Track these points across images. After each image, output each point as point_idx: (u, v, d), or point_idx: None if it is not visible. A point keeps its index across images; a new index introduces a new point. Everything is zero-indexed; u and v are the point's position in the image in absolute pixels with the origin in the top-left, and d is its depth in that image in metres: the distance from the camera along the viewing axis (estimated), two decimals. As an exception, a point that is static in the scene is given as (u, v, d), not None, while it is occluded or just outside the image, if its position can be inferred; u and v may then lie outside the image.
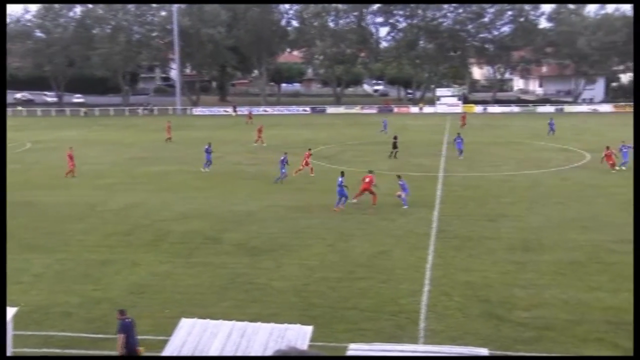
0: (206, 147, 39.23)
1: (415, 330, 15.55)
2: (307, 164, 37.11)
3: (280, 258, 21.22)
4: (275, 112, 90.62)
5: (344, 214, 27.10)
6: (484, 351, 11.09)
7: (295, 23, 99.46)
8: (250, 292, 18.20)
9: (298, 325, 11.02)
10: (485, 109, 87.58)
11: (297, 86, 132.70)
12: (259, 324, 11.10)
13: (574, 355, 14.21)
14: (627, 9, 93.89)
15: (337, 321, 16.09)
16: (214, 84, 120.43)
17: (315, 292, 18.13)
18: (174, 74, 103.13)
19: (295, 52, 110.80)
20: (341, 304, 17.19)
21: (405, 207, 27.82)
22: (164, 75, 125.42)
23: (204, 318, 11.65)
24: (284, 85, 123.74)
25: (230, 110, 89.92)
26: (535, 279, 18.83)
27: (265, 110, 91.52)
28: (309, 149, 39.13)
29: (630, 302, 16.87)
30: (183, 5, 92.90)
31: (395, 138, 44.73)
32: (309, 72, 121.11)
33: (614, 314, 16.17)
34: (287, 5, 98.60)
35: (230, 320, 11.43)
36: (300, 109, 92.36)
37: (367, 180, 28.71)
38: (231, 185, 34.38)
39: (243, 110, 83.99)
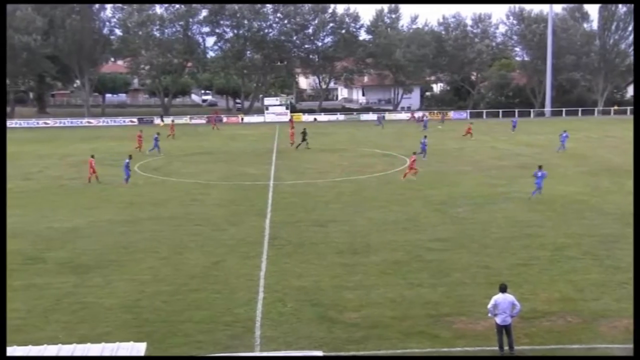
0: None
1: (251, 338, 15.69)
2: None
3: (110, 274, 20.43)
4: (100, 124, 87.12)
5: (175, 226, 26.69)
6: (318, 353, 11.49)
7: (118, 32, 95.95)
8: (78, 312, 17.35)
9: (130, 343, 10.68)
10: (315, 119, 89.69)
11: (122, 97, 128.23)
12: (88, 344, 10.61)
13: (401, 350, 15.11)
14: (435, 25, 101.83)
15: (172, 335, 15.82)
16: (31, 95, 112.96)
17: (148, 307, 17.67)
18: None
19: (120, 62, 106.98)
20: (175, 318, 16.91)
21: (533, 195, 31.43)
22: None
23: (26, 345, 10.93)
24: (108, 96, 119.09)
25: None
26: (363, 280, 19.74)
27: (90, 122, 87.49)
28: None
29: (447, 295, 18.33)
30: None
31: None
32: (135, 82, 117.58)
33: (433, 308, 17.40)
34: (109, 14, 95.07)
35: (56, 344, 10.83)
36: (127, 120, 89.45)
37: (413, 159, 37.69)
38: (53, 201, 32.49)
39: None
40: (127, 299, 18.26)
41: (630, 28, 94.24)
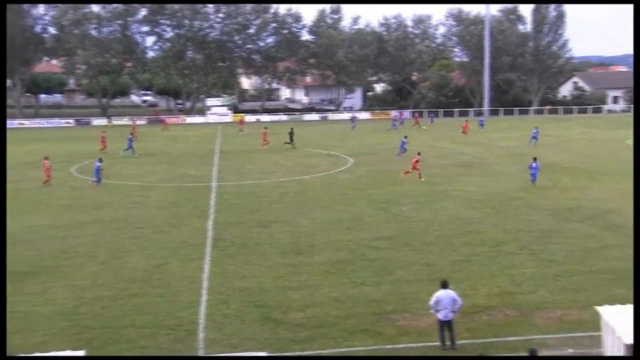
0: None
1: (194, 341, 15.51)
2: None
3: (47, 281, 19.84)
4: (34, 125, 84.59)
5: (116, 229, 26.13)
6: (262, 354, 11.45)
7: (52, 30, 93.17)
8: (11, 322, 16.71)
9: (68, 351, 10.42)
10: (258, 119, 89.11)
11: (58, 97, 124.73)
12: (20, 355, 10.26)
13: (345, 349, 15.19)
14: (376, 25, 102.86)
15: (113, 342, 15.49)
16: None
17: (87, 313, 17.25)
18: None
19: (55, 62, 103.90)
20: (116, 323, 16.57)
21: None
22: None
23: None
24: (42, 96, 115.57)
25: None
26: (307, 280, 19.77)
27: (22, 124, 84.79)
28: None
29: (391, 293, 18.52)
30: None
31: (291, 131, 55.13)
32: (71, 82, 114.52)
33: (376, 306, 17.57)
34: (41, 11, 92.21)
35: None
36: (63, 121, 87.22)
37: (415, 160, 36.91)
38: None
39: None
40: (65, 306, 17.78)
41: (560, 31, 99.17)
